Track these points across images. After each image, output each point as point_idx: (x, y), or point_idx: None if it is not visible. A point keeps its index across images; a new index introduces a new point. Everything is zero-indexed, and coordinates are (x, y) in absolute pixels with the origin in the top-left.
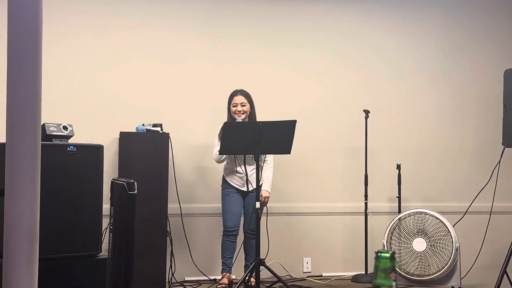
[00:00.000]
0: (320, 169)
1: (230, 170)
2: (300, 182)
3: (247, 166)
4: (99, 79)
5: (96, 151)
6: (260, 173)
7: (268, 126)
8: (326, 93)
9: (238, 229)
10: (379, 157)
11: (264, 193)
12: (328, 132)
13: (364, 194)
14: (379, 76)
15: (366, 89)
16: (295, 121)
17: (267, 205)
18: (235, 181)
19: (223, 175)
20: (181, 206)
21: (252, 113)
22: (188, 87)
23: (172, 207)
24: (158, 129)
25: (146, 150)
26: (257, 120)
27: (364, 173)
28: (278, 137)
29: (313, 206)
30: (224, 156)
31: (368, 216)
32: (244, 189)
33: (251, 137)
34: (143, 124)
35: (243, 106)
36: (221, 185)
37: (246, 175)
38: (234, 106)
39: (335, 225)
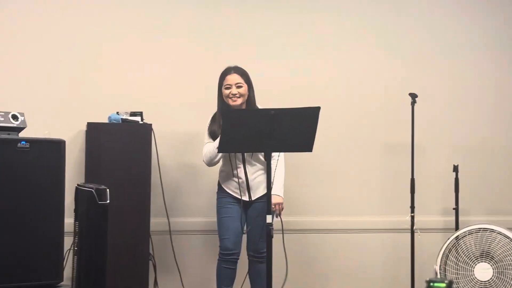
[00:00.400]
0: (350, 172)
1: (226, 174)
2: (323, 190)
3: (248, 168)
4: (60, 57)
5: (55, 148)
6: (271, 175)
7: (282, 114)
8: (356, 73)
9: (239, 252)
10: (429, 156)
11: (275, 199)
12: (360, 123)
13: (409, 205)
14: (428, 51)
15: (412, 67)
16: (319, 108)
17: (281, 216)
18: (233, 188)
19: (218, 181)
20: (170, 220)
21: (250, 98)
22: (176, 67)
23: (156, 221)
24: (138, 118)
25: (122, 147)
26: (258, 107)
27: (410, 177)
28: (296, 129)
29: (342, 221)
30: (219, 156)
31: (415, 234)
32: (245, 198)
33: (260, 129)
34: (117, 113)
35: (238, 87)
36: (216, 193)
37: (247, 179)
38: (227, 88)
39: (372, 246)
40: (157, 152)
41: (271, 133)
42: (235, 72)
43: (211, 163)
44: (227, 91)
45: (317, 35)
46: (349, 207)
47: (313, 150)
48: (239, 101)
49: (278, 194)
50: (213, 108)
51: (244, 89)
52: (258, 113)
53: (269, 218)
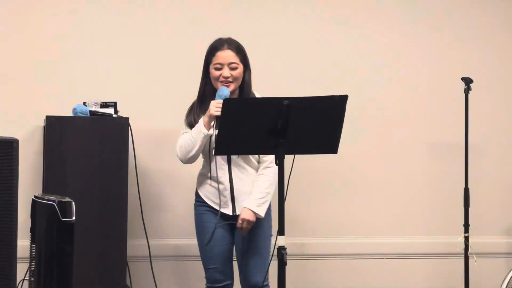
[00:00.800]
0: (384, 181)
1: (205, 177)
2: (350, 204)
3: (234, 171)
4: (9, 36)
5: (4, 149)
6: (284, 183)
7: (299, 105)
8: (392, 53)
9: (231, 282)
10: (488, 160)
11: (245, 212)
12: (398, 117)
13: (462, 223)
14: (486, 25)
15: (465, 45)
16: (346, 96)
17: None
18: (211, 196)
19: (196, 187)
20: (150, 242)
21: (245, 82)
22: (159, 49)
23: (135, 244)
24: (111, 111)
25: (91, 147)
26: (255, 95)
27: (464, 186)
28: (317, 124)
29: (374, 243)
30: (196, 148)
31: (471, 260)
32: (227, 211)
33: (270, 124)
34: (84, 103)
35: (233, 69)
36: (194, 201)
37: (231, 186)
38: (217, 69)
39: (413, 276)
40: (134, 154)
41: (284, 130)
42: (229, 48)
43: (187, 157)
44: (217, 72)
45: (340, 15)
46: (384, 226)
47: (338, 152)
48: (232, 86)
49: (251, 208)
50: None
51: (239, 71)
52: (267, 103)
53: (281, 240)
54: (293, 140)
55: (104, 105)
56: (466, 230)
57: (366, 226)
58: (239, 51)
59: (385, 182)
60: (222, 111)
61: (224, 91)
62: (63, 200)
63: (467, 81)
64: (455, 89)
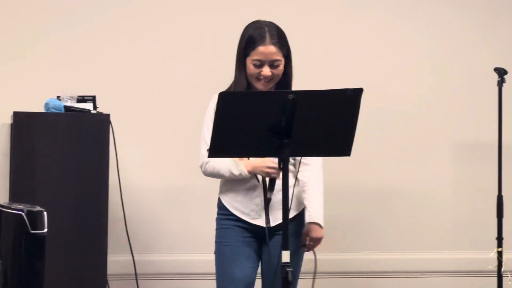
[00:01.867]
0: (406, 188)
1: (232, 182)
2: (366, 213)
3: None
4: None
5: None
6: (293, 190)
7: (306, 100)
8: (416, 41)
9: None
10: None
11: (315, 230)
12: (422, 115)
13: (495, 236)
14: None
15: (497, 33)
16: (361, 90)
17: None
18: (241, 207)
19: (218, 196)
20: (136, 258)
21: (287, 75)
22: (143, 35)
23: (116, 260)
24: (89, 106)
25: (66, 148)
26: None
27: (497, 194)
28: (327, 122)
29: (394, 259)
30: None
31: (504, 278)
32: (260, 222)
33: (273, 122)
34: (58, 97)
35: (275, 67)
36: (217, 215)
37: (265, 193)
38: (256, 66)
39: None
40: (116, 156)
41: (289, 128)
42: (272, 43)
43: (212, 173)
44: (255, 70)
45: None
46: (404, 240)
47: (352, 154)
48: (271, 85)
49: (318, 222)
50: (199, 93)
51: (281, 68)
52: (270, 98)
53: (286, 256)
54: (300, 140)
55: (81, 99)
56: (500, 244)
57: (383, 240)
58: (283, 44)
59: (405, 189)
60: (217, 107)
61: None
62: (33, 209)
63: (501, 72)
64: (487, 81)
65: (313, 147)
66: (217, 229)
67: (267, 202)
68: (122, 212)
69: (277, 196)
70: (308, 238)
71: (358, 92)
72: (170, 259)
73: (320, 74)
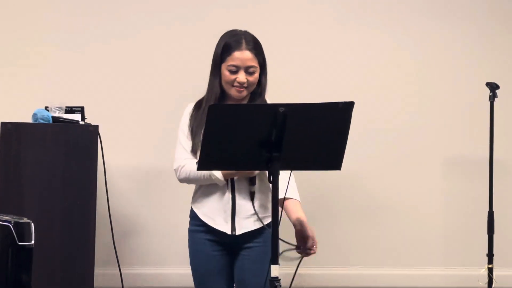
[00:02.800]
0: (396, 203)
1: (204, 189)
2: (355, 229)
3: (237, 181)
4: None
5: None
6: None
7: (297, 113)
8: (406, 55)
9: None
10: None
11: (312, 231)
12: (412, 129)
13: (486, 253)
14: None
15: (488, 48)
16: (352, 103)
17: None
18: (209, 213)
19: (191, 206)
20: (123, 271)
21: (262, 86)
22: (134, 45)
23: (103, 273)
24: (77, 116)
25: (54, 159)
26: (266, 102)
27: (488, 210)
28: (317, 135)
29: (383, 275)
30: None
31: None
32: (226, 229)
33: (263, 135)
34: (46, 108)
35: (250, 73)
36: (189, 225)
37: (233, 200)
38: (231, 71)
39: None
40: (104, 168)
41: (280, 142)
42: (247, 48)
43: (189, 179)
44: (231, 76)
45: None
46: (394, 255)
47: (342, 168)
48: (245, 92)
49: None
50: (187, 102)
51: (256, 76)
52: (260, 111)
53: (274, 270)
54: (290, 154)
55: (70, 110)
56: (490, 260)
57: (373, 255)
58: (258, 51)
59: (395, 204)
60: (207, 120)
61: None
62: (21, 220)
63: (493, 87)
64: (479, 96)
65: (304, 160)
66: (189, 241)
67: (251, 196)
68: (110, 225)
69: (244, 205)
70: (308, 233)
71: (349, 105)
72: (158, 272)
73: (310, 87)
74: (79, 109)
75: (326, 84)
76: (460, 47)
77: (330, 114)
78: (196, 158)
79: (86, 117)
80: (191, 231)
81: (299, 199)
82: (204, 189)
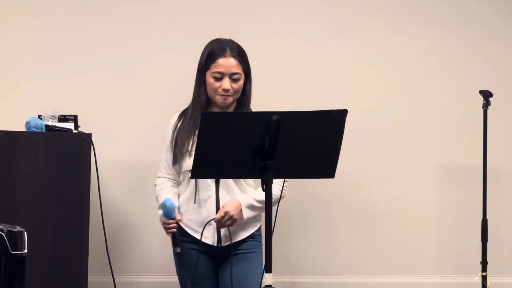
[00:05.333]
0: (390, 211)
1: (186, 199)
2: (348, 236)
3: (222, 191)
4: None
5: None
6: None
7: (290, 121)
8: (400, 63)
9: None
10: (510, 187)
11: (231, 204)
12: (407, 137)
13: (480, 260)
14: (505, 33)
15: (481, 55)
16: (345, 111)
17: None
18: (192, 225)
19: None
20: (116, 280)
21: (246, 95)
22: (124, 53)
23: (97, 281)
24: (71, 125)
25: (46, 168)
26: (251, 110)
27: (482, 217)
28: (311, 143)
29: (376, 283)
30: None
31: None
32: (209, 240)
33: (257, 143)
34: (39, 116)
35: (234, 80)
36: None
37: (218, 205)
38: (216, 78)
39: None
40: (98, 176)
41: (273, 150)
42: (232, 55)
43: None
44: (216, 83)
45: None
46: (388, 263)
47: (336, 176)
48: (230, 99)
49: (241, 200)
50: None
51: (241, 83)
52: (253, 118)
53: (268, 278)
54: (283, 162)
55: (63, 118)
56: (484, 268)
57: (367, 263)
58: (243, 59)
59: (389, 212)
60: (200, 128)
61: (164, 207)
62: (13, 229)
63: (486, 95)
64: (472, 103)
65: (297, 168)
66: (174, 252)
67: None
68: (103, 233)
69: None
70: (223, 210)
71: (342, 113)
72: (151, 280)
73: (303, 95)
74: (72, 117)
75: (319, 92)
76: (453, 55)
77: (324, 122)
78: (179, 168)
79: (79, 125)
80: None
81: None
82: (185, 200)
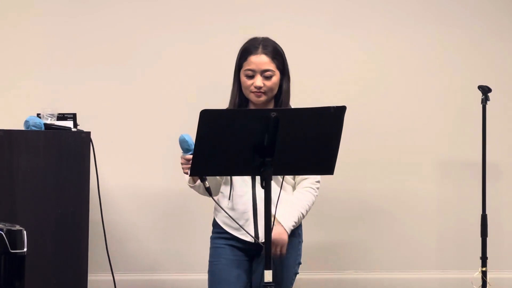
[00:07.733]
0: (389, 207)
1: (223, 197)
2: (347, 232)
3: (259, 186)
4: None
5: None
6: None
7: (289, 117)
8: (398, 59)
9: None
10: (509, 183)
11: (278, 232)
12: (406, 133)
13: (479, 256)
14: (504, 29)
15: (480, 51)
16: (344, 108)
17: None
18: (230, 221)
19: (213, 216)
20: (116, 278)
21: (283, 92)
22: (123, 52)
23: (97, 279)
24: (70, 123)
25: (46, 166)
26: (291, 107)
27: (481, 213)
28: (310, 140)
29: (376, 279)
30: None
31: None
32: (245, 237)
33: (255, 140)
34: (38, 115)
35: (267, 78)
36: (211, 233)
37: (254, 207)
38: (248, 76)
39: None
40: (97, 174)
41: (272, 147)
42: (264, 52)
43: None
44: (248, 81)
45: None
46: (388, 259)
47: (334, 172)
48: (264, 97)
49: (283, 224)
50: (182, 111)
51: (274, 80)
52: (252, 116)
53: (268, 275)
54: (282, 158)
55: (62, 117)
56: (484, 264)
57: (368, 259)
58: (276, 55)
59: (388, 208)
60: (198, 125)
61: (184, 141)
62: (13, 228)
63: (485, 90)
64: (471, 99)
65: (296, 165)
66: (210, 248)
67: (209, 192)
68: (103, 231)
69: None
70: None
71: (341, 110)
72: (151, 278)
73: (302, 92)
74: (71, 115)
75: (318, 88)
76: (452, 50)
77: (322, 119)
78: None
79: (78, 123)
80: (213, 238)
81: (284, 222)
82: (222, 198)
